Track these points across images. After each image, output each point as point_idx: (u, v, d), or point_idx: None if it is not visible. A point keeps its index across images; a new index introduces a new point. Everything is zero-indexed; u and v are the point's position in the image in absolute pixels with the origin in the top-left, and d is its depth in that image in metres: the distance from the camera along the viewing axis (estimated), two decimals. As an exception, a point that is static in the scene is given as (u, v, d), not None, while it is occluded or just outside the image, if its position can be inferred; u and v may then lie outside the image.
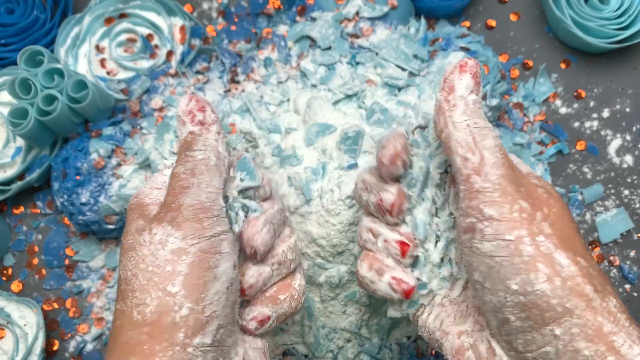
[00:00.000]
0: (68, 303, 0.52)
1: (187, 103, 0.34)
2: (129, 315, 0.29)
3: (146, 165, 0.49)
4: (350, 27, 0.53)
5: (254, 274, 0.33)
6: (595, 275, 0.27)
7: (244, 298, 0.34)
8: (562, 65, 0.55)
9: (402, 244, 0.33)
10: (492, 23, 0.56)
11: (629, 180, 0.53)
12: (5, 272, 0.53)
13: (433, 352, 0.49)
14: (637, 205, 0.52)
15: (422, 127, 0.37)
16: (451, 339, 0.32)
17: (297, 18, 0.54)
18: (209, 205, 0.30)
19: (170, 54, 0.53)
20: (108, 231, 0.50)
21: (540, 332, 0.27)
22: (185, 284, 0.28)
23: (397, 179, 0.34)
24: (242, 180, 0.34)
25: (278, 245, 0.35)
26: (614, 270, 0.51)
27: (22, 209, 0.54)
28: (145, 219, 0.31)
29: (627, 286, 0.51)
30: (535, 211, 0.28)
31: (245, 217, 0.34)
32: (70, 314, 0.52)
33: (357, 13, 0.53)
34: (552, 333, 0.26)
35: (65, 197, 0.49)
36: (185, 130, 0.33)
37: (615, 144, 0.54)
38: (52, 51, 0.53)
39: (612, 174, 0.53)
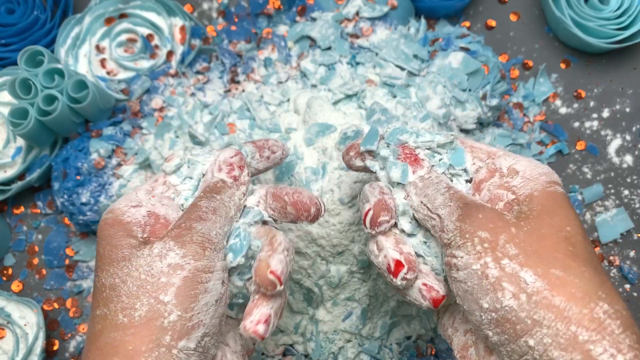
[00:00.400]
0: (68, 303, 0.52)
1: (232, 155, 0.37)
2: (112, 318, 0.30)
3: (146, 165, 0.49)
4: (350, 27, 0.53)
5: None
6: (578, 282, 0.28)
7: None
8: (562, 65, 0.55)
9: (398, 263, 0.34)
10: (492, 23, 0.56)
11: (628, 180, 0.53)
12: (5, 272, 0.53)
13: (433, 351, 0.49)
14: (637, 205, 0.52)
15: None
16: (459, 335, 0.34)
17: (297, 18, 0.54)
18: (215, 241, 0.33)
19: (170, 54, 0.53)
20: (108, 231, 0.50)
21: (516, 343, 0.28)
22: (177, 294, 0.30)
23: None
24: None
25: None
26: (614, 270, 0.51)
27: (22, 209, 0.54)
28: (135, 239, 0.32)
29: (627, 286, 0.51)
30: (497, 236, 0.30)
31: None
32: (71, 314, 0.52)
33: (357, 13, 0.53)
34: (527, 344, 0.28)
35: (66, 197, 0.49)
36: (217, 176, 0.36)
37: (615, 144, 0.54)
38: (52, 51, 0.53)
39: (612, 174, 0.53)
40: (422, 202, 0.34)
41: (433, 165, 0.35)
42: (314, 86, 0.51)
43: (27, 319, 0.49)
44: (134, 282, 0.30)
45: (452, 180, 0.36)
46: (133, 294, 0.30)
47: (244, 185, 0.36)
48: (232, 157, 0.37)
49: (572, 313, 0.27)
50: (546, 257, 0.29)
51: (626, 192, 0.52)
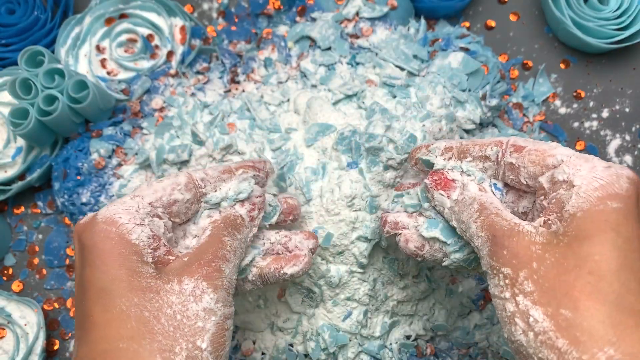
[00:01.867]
0: (69, 303, 0.52)
1: (257, 195, 0.38)
2: (147, 357, 0.29)
3: (146, 165, 0.49)
4: (350, 28, 0.53)
5: None
6: (585, 325, 0.27)
7: None
8: (562, 66, 0.55)
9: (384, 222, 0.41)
10: (492, 23, 0.56)
11: (628, 180, 0.53)
12: (5, 272, 0.53)
13: (432, 351, 0.49)
14: (637, 205, 0.52)
15: None
16: None
17: (297, 18, 0.54)
18: (234, 284, 0.34)
19: (170, 54, 0.53)
20: (108, 231, 0.51)
21: None
22: (212, 341, 0.31)
23: None
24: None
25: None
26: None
27: (22, 209, 0.54)
28: (150, 266, 0.32)
29: (627, 286, 0.51)
30: (518, 272, 0.30)
31: None
32: (71, 314, 0.52)
33: (357, 13, 0.53)
34: None
35: (66, 197, 0.49)
36: (238, 210, 0.37)
37: (614, 144, 0.54)
38: (52, 51, 0.53)
39: (612, 174, 0.53)
40: (461, 229, 0.35)
41: (465, 184, 0.36)
42: (314, 86, 0.51)
43: (28, 319, 0.49)
44: (169, 322, 0.30)
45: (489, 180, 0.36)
46: (170, 335, 0.30)
47: (255, 228, 0.38)
48: (256, 197, 0.38)
49: (571, 357, 0.27)
50: (560, 294, 0.28)
51: (626, 192, 0.52)
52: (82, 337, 0.31)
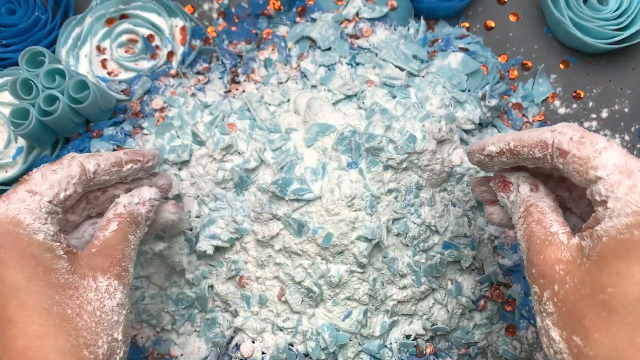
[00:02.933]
0: (69, 302, 0.52)
1: (156, 198, 0.41)
2: (75, 352, 0.31)
3: (147, 165, 0.50)
4: (350, 28, 0.53)
5: None
6: (592, 355, 0.28)
7: None
8: (561, 66, 0.56)
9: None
10: (491, 24, 0.56)
11: (627, 180, 0.53)
12: (6, 271, 0.53)
13: (432, 351, 0.49)
14: (636, 205, 0.52)
15: None
16: None
17: (297, 19, 0.54)
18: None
19: (171, 54, 0.53)
20: (109, 231, 0.51)
21: None
22: (123, 332, 0.34)
23: None
24: None
25: None
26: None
27: (23, 208, 0.54)
28: (63, 260, 0.33)
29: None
30: (543, 292, 0.32)
31: None
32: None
33: (357, 14, 0.53)
34: None
35: (67, 197, 0.49)
36: (141, 209, 0.39)
37: (614, 144, 0.54)
38: (53, 52, 0.53)
39: (611, 174, 0.53)
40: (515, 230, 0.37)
41: (519, 185, 0.37)
42: (314, 86, 0.51)
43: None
44: (91, 318, 0.32)
45: None
46: (93, 330, 0.32)
47: (146, 229, 0.40)
48: (156, 200, 0.41)
49: None
50: (574, 321, 0.30)
51: (625, 192, 0.53)
52: None
